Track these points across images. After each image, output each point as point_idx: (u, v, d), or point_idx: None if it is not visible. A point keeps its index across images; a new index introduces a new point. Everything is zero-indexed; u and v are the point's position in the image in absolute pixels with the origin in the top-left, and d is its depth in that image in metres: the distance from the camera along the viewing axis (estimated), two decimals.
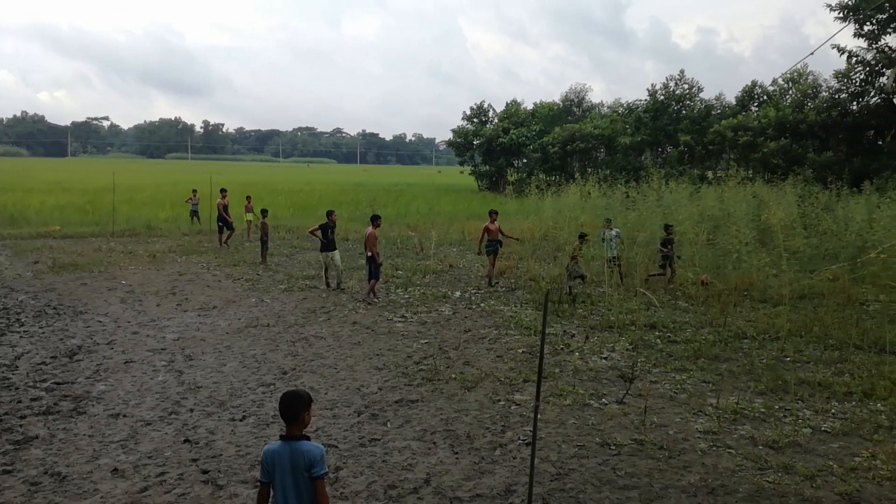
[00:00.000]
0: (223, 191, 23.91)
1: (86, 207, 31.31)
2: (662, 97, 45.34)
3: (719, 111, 44.49)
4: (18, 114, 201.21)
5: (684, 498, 6.09)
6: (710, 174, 41.00)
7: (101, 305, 13.66)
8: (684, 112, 45.09)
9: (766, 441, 7.30)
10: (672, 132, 43.77)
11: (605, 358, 10.47)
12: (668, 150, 46.31)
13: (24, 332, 11.59)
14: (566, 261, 15.50)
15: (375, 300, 14.41)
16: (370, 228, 14.48)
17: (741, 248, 15.46)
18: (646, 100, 46.62)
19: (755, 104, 43.05)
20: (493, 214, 16.58)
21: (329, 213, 16.03)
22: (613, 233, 16.76)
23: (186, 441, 7.19)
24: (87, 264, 18.31)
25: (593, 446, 7.20)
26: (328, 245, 15.53)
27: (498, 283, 16.49)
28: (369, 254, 14.31)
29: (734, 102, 44.17)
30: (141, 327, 12.03)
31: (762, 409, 8.27)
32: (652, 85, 46.44)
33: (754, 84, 43.45)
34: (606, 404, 8.46)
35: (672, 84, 45.50)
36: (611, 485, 6.33)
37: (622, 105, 51.86)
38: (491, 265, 16.53)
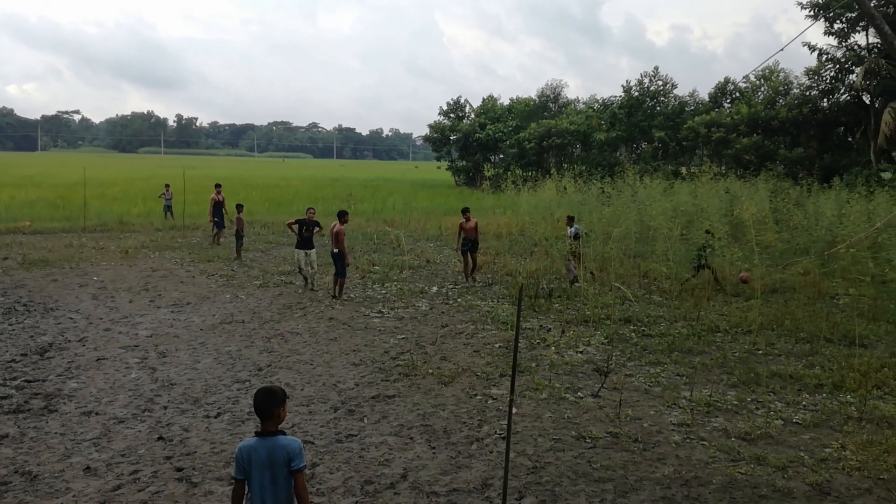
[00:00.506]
0: (218, 186, 22.36)
1: (56, 202, 30.76)
2: (637, 93, 45.72)
3: (693, 108, 45.00)
4: None
5: (658, 490, 6.17)
6: (683, 170, 41.44)
7: (72, 302, 13.44)
8: (658, 108, 45.52)
9: (739, 433, 7.41)
10: (646, 128, 44.17)
11: (581, 352, 10.54)
12: (643, 146, 46.73)
13: None
14: (566, 255, 15.53)
15: (343, 298, 14.21)
16: (337, 224, 14.26)
17: (714, 243, 15.66)
18: (621, 96, 46.98)
19: (728, 101, 43.61)
20: (465, 212, 16.30)
21: (308, 211, 15.72)
22: (572, 230, 16.81)
23: (160, 438, 7.12)
24: (58, 260, 18.00)
25: (569, 439, 7.25)
26: (304, 243, 15.07)
27: (476, 280, 16.25)
28: (336, 250, 14.04)
29: (707, 99, 44.71)
30: (113, 324, 11.87)
31: (735, 402, 8.39)
32: (627, 81, 46.61)
33: (727, 81, 43.99)
34: (582, 398, 8.52)
35: (647, 80, 45.90)
36: (586, 477, 6.39)
37: (598, 101, 52.25)
38: (465, 263, 16.29)
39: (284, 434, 4.02)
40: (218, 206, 21.62)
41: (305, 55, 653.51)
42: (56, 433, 7.22)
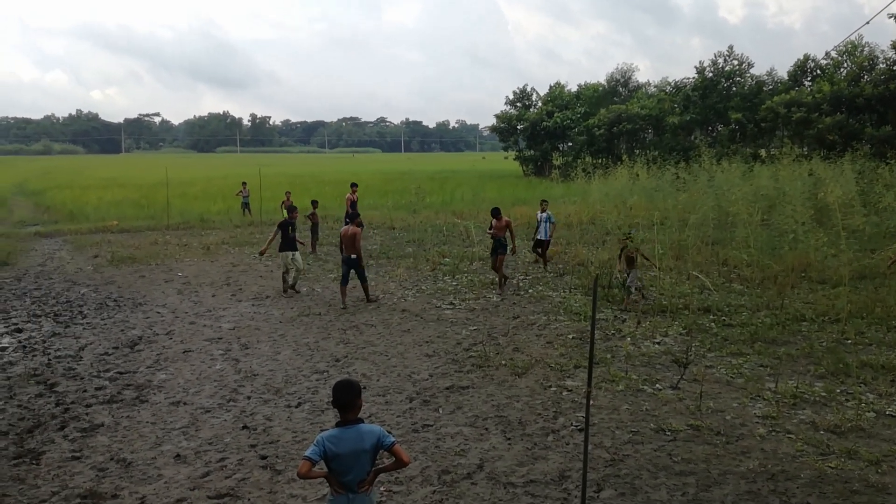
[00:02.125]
0: (354, 185, 22.09)
1: (141, 202, 32.22)
2: (711, 74, 44.23)
3: (771, 87, 43.22)
4: (73, 112, 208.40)
5: (743, 484, 5.99)
6: (762, 152, 39.92)
7: (158, 297, 14.07)
8: (734, 89, 43.92)
9: (828, 426, 7.11)
10: (722, 110, 42.71)
11: (658, 343, 10.32)
12: (719, 129, 45.23)
13: (87, 323, 12.03)
14: (617, 262, 13.55)
15: (375, 299, 13.39)
16: (351, 227, 13.02)
17: (797, 228, 15.02)
18: (694, 78, 45.56)
19: (808, 79, 41.69)
20: (495, 212, 14.48)
21: (290, 210, 15.14)
22: (544, 216, 16.51)
23: (245, 427, 7.38)
24: (145, 257, 18.86)
25: (648, 432, 7.12)
26: (289, 244, 14.22)
27: (505, 284, 14.36)
28: (353, 256, 12.85)
29: (786, 78, 42.83)
30: (198, 317, 12.36)
31: (823, 393, 8.05)
32: (700, 62, 45.43)
33: (807, 58, 42.02)
34: (660, 390, 8.35)
35: (721, 60, 44.35)
36: (667, 470, 6.26)
37: (669, 84, 50.77)
38: (495, 268, 14.43)
39: (363, 422, 4.17)
40: (354, 205, 21.25)
41: (370, 50, 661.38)
42: (147, 422, 7.59)
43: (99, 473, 6.36)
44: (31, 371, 9.37)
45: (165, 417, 7.72)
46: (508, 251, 14.36)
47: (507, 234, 14.33)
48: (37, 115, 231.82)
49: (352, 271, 13.11)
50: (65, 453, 6.78)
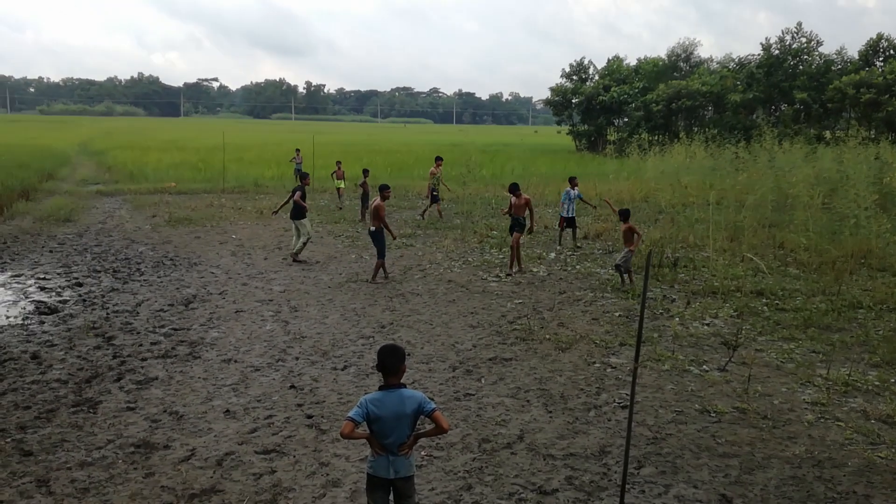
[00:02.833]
0: (438, 159, 21.05)
1: (198, 165, 32.97)
2: (777, 52, 42.60)
3: (840, 66, 41.46)
4: (135, 75, 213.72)
5: (788, 469, 5.89)
6: (827, 134, 38.46)
7: (213, 258, 14.45)
8: (801, 67, 42.27)
9: (880, 415, 6.91)
10: (787, 89, 41.20)
11: (708, 324, 10.15)
12: (783, 109, 43.72)
13: (144, 280, 12.45)
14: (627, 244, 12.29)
15: (383, 280, 12.69)
16: (377, 199, 12.49)
17: (860, 213, 14.49)
18: (759, 55, 43.98)
19: (880, 59, 39.82)
20: (513, 188, 13.51)
21: (303, 177, 15.61)
22: (575, 192, 16.13)
23: (292, 387, 7.57)
24: (200, 219, 19.36)
25: (692, 413, 7.05)
26: (300, 211, 14.14)
27: (519, 271, 13.38)
28: (373, 228, 12.40)
29: (857, 57, 40.99)
30: (250, 279, 12.67)
31: (876, 382, 7.82)
32: (766, 38, 43.79)
33: (880, 37, 40.11)
34: (707, 371, 8.23)
35: (788, 38, 42.71)
36: (710, 452, 6.20)
37: (733, 60, 49.16)
38: (511, 248, 13.52)
39: (406, 387, 4.24)
40: (435, 181, 20.32)
41: (426, 20, 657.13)
42: (199, 378, 7.85)
43: (152, 424, 6.62)
44: (91, 324, 9.77)
45: (216, 374, 7.97)
46: (525, 231, 13.44)
47: (527, 212, 13.26)
48: (100, 77, 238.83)
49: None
50: (120, 404, 7.08)
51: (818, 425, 6.75)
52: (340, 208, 22.32)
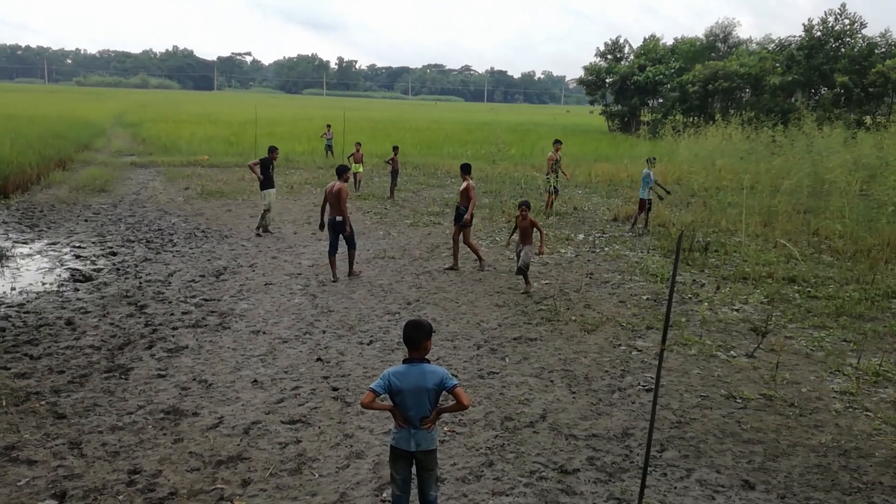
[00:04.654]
0: (557, 143, 19.12)
1: (230, 139, 33.23)
2: (820, 33, 41.39)
3: (884, 50, 40.12)
4: (170, 48, 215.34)
5: (813, 457, 5.83)
6: (868, 119, 37.39)
7: (244, 231, 14.62)
8: (843, 50, 41.00)
9: None
10: (828, 72, 40.06)
11: (737, 310, 10.03)
12: (822, 92, 42.53)
13: (177, 251, 12.65)
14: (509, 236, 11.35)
15: (357, 273, 11.34)
16: (337, 183, 10.94)
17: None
18: (800, 36, 42.77)
19: None
20: (464, 168, 12.08)
21: (271, 150, 14.79)
22: (647, 173, 15.55)
23: (319, 360, 7.67)
24: (232, 192, 19.56)
25: (717, 398, 6.99)
26: (269, 182, 14.32)
27: (480, 267, 12.03)
28: (338, 217, 10.84)
29: None
30: (279, 252, 12.80)
31: None
32: (808, 20, 42.27)
33: None
34: (734, 357, 8.15)
35: (831, 19, 41.37)
36: (734, 437, 6.15)
37: (773, 42, 47.91)
38: (466, 243, 11.84)
39: (429, 363, 4.28)
40: (555, 166, 18.05)
41: None
42: (228, 348, 7.99)
43: (181, 392, 6.77)
44: (124, 292, 9.97)
45: (245, 344, 8.10)
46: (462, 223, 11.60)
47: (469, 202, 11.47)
48: (135, 50, 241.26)
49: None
50: (151, 371, 7.24)
51: (846, 415, 6.66)
52: (359, 195, 20.40)
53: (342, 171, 11.10)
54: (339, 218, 10.86)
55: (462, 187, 11.74)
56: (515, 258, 10.50)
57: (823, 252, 13.87)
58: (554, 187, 18.25)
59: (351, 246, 11.16)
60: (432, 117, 68.76)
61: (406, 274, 11.57)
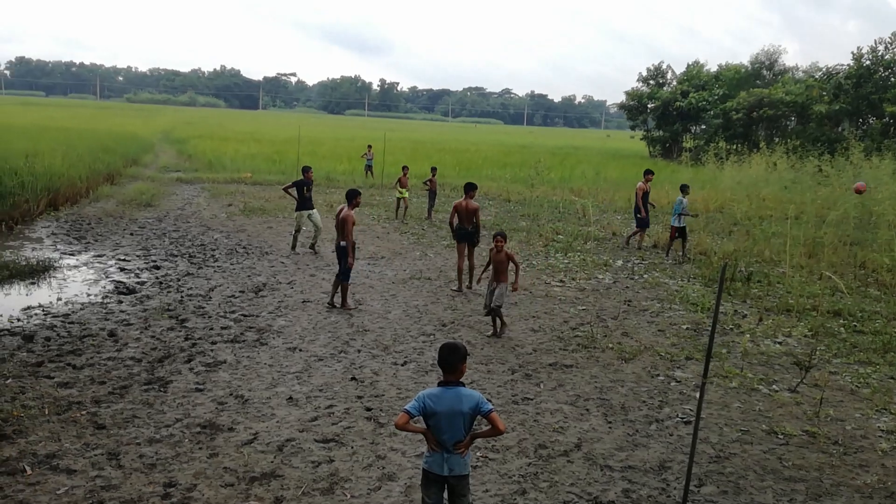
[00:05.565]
0: (649, 173, 16.93)
1: (273, 157, 33.83)
2: (869, 62, 40.58)
3: None
4: (218, 68, 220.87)
5: (857, 498, 5.62)
6: None
7: (284, 248, 14.81)
8: (893, 80, 40.11)
9: None
10: (877, 102, 39.17)
11: (780, 343, 9.78)
12: (871, 122, 41.59)
13: (218, 267, 12.87)
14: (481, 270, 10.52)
15: (351, 306, 10.55)
16: (345, 208, 10.49)
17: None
18: (848, 65, 41.98)
19: None
20: (469, 188, 11.94)
21: (305, 170, 14.86)
22: (681, 200, 15.33)
23: (353, 379, 7.69)
24: (274, 210, 19.87)
25: (759, 433, 6.81)
26: (304, 203, 14.62)
27: (459, 290, 11.94)
28: (343, 243, 10.39)
29: None
30: (317, 270, 12.93)
31: None
32: (857, 48, 41.42)
33: None
34: (777, 391, 7.94)
35: (881, 48, 40.54)
36: (775, 474, 5.98)
37: (820, 70, 47.14)
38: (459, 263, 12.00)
39: (465, 386, 4.25)
40: (645, 197, 16.44)
41: (500, 20, 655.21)
42: (265, 364, 8.06)
43: (218, 406, 6.84)
44: (166, 306, 10.17)
45: (282, 361, 8.17)
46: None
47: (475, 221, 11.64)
48: (184, 68, 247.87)
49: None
50: (189, 384, 7.34)
51: (893, 455, 6.42)
52: (405, 222, 19.41)
53: (352, 196, 10.56)
54: (343, 243, 10.36)
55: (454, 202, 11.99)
56: (486, 297, 9.55)
57: (870, 285, 13.48)
58: (638, 218, 16.70)
59: (343, 277, 10.44)
60: (472, 139, 69.05)
61: (441, 295, 11.58)
